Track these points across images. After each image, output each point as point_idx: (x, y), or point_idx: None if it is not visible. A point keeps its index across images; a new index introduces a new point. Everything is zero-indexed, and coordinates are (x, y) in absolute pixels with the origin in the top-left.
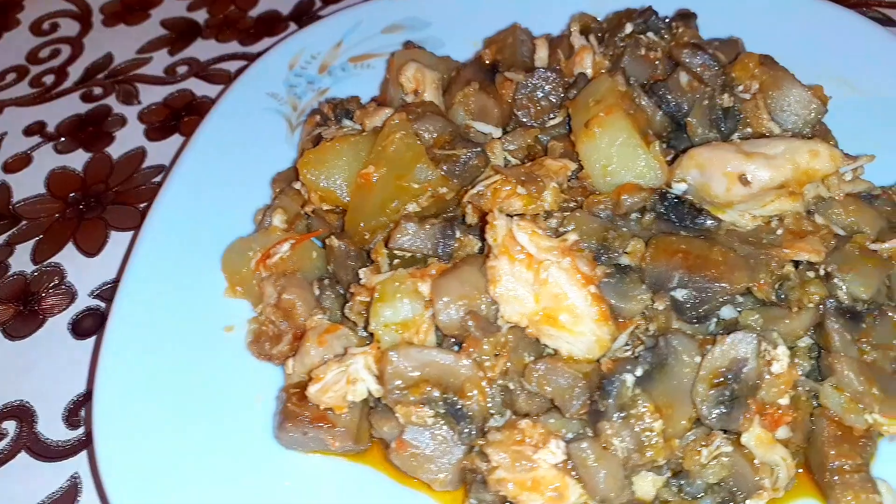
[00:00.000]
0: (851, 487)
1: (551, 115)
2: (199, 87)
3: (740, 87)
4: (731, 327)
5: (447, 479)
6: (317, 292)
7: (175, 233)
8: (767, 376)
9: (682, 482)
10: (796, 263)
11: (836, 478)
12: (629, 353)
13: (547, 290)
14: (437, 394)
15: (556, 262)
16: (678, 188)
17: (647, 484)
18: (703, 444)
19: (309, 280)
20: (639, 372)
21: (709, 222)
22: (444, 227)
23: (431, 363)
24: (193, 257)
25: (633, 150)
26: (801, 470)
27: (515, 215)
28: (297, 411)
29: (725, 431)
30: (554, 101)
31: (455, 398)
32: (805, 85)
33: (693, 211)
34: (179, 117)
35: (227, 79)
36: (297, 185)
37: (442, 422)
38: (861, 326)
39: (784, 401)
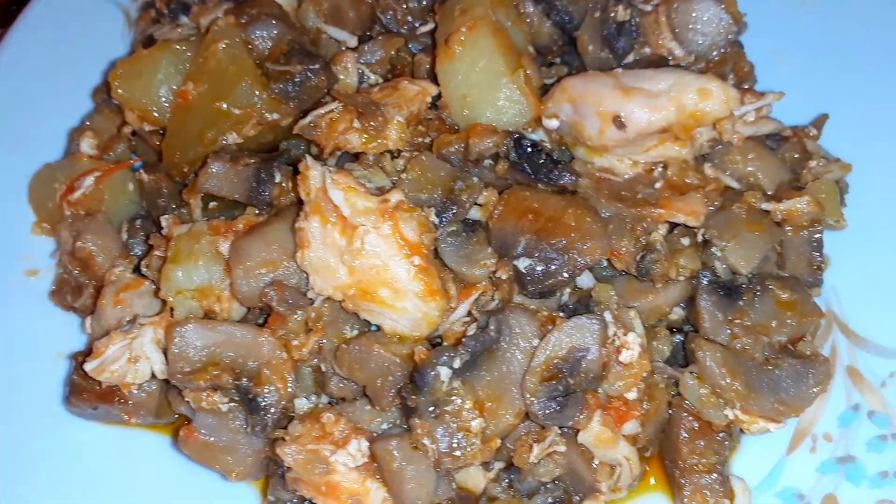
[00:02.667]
0: (701, 490)
1: (422, 21)
2: None
3: None
4: (584, 301)
5: (245, 470)
6: (125, 236)
7: None
8: (616, 367)
9: (513, 477)
10: (672, 226)
11: (684, 479)
12: (465, 329)
13: (362, 261)
14: (228, 379)
15: (374, 228)
16: (549, 124)
17: (475, 475)
18: (535, 440)
19: (119, 220)
20: (456, 364)
21: (566, 178)
22: (258, 170)
23: (225, 342)
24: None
25: (496, 79)
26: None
27: (334, 168)
28: (83, 385)
29: (561, 427)
30: (426, 2)
31: (250, 385)
32: None
33: (550, 163)
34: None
35: None
36: (117, 102)
37: (238, 410)
38: (737, 304)
39: (632, 394)
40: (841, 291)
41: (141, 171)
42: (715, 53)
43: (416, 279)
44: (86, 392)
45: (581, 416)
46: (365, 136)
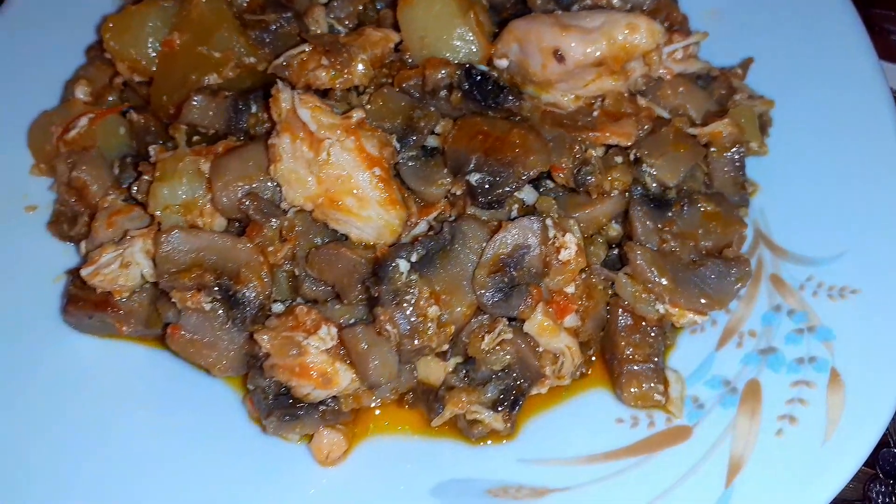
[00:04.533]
0: (637, 377)
1: None
2: None
3: None
4: (530, 213)
5: (227, 365)
6: (116, 171)
7: None
8: (556, 264)
9: (469, 368)
10: (608, 148)
11: (624, 367)
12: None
13: (329, 172)
14: (210, 278)
15: (339, 142)
16: (499, 64)
17: (436, 369)
18: (486, 331)
19: (111, 158)
20: (413, 257)
21: (510, 100)
22: (235, 101)
23: (207, 247)
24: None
25: (450, 21)
26: (595, 359)
27: (302, 90)
28: (79, 294)
29: (511, 320)
30: None
31: (230, 283)
32: None
33: (496, 89)
34: None
35: None
36: (109, 55)
37: (220, 308)
38: (666, 215)
39: (571, 289)
40: (767, 212)
41: (131, 111)
42: (648, 3)
43: (377, 188)
44: (81, 301)
45: (525, 306)
46: (333, 72)
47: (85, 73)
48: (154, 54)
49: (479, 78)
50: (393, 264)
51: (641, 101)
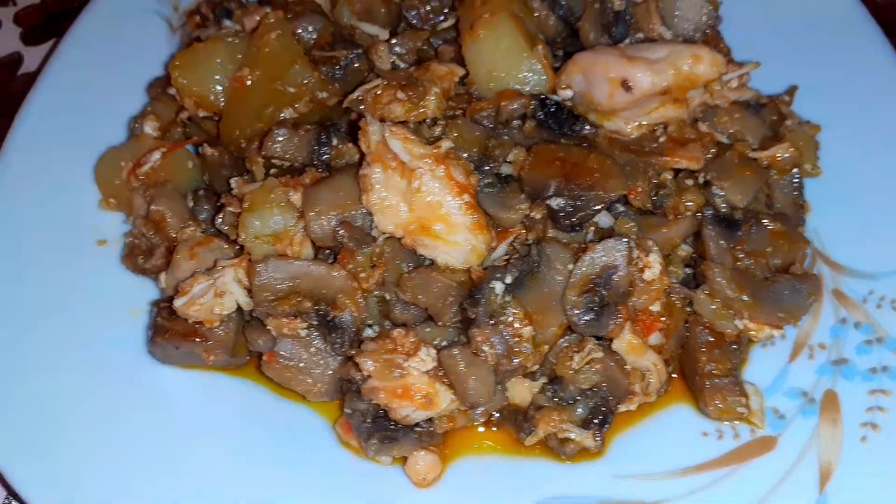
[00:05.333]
0: (720, 391)
1: (441, 17)
2: None
3: None
4: (607, 236)
5: (322, 389)
6: (191, 204)
7: (45, 142)
8: (640, 284)
9: (557, 388)
10: (676, 172)
11: (706, 382)
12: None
13: (420, 199)
14: (308, 305)
15: (430, 170)
16: (564, 95)
17: (522, 390)
18: (576, 350)
19: (183, 191)
20: (508, 279)
21: (587, 129)
22: (318, 134)
23: (302, 275)
24: (66, 168)
25: (518, 55)
26: (676, 376)
27: (399, 122)
28: (166, 326)
29: (598, 338)
30: (444, 0)
31: (327, 309)
32: None
33: (571, 117)
34: (59, 20)
35: None
36: (173, 91)
37: (316, 333)
38: (737, 234)
39: (655, 307)
40: (821, 231)
41: (205, 145)
42: (698, 36)
43: (466, 213)
44: (169, 332)
45: (614, 325)
46: (408, 105)
47: (153, 108)
48: (221, 89)
49: (553, 108)
50: (490, 286)
51: (702, 127)
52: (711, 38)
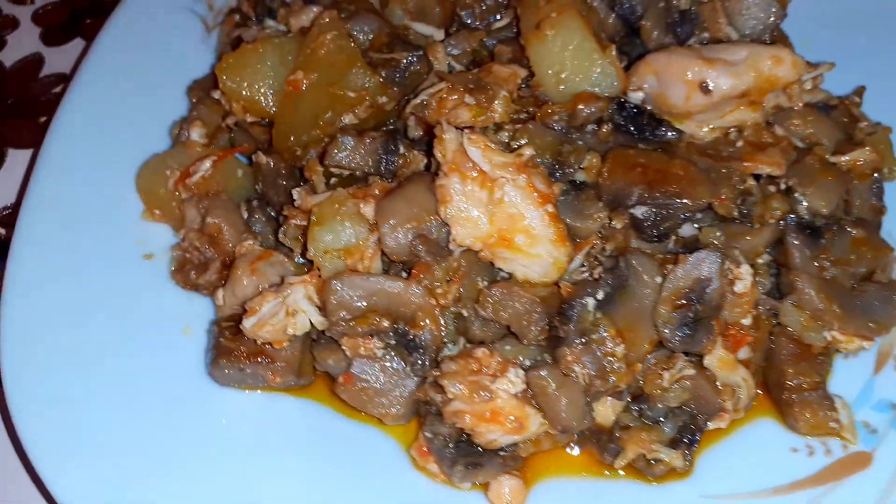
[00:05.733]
0: (810, 405)
1: (497, 16)
2: None
3: None
4: (690, 245)
5: (400, 412)
6: (245, 215)
7: (81, 149)
8: (731, 296)
9: (643, 406)
10: (756, 177)
11: (794, 396)
12: (585, 275)
13: (502, 210)
14: (386, 324)
15: (512, 180)
16: (634, 97)
17: (605, 409)
18: (665, 367)
19: (236, 202)
20: (600, 295)
21: (669, 134)
22: (386, 142)
23: (379, 292)
24: (103, 176)
25: (589, 55)
26: (759, 391)
27: (465, 128)
28: (230, 347)
29: (687, 354)
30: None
31: (406, 328)
32: None
33: (653, 122)
34: (81, 19)
35: None
36: (217, 95)
37: (392, 353)
38: (821, 242)
39: (746, 321)
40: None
41: (258, 153)
42: (766, 36)
43: (550, 225)
44: (234, 354)
45: (709, 340)
46: (476, 109)
47: (199, 113)
48: (271, 94)
49: (633, 111)
50: (581, 303)
51: (778, 131)
52: (778, 38)
